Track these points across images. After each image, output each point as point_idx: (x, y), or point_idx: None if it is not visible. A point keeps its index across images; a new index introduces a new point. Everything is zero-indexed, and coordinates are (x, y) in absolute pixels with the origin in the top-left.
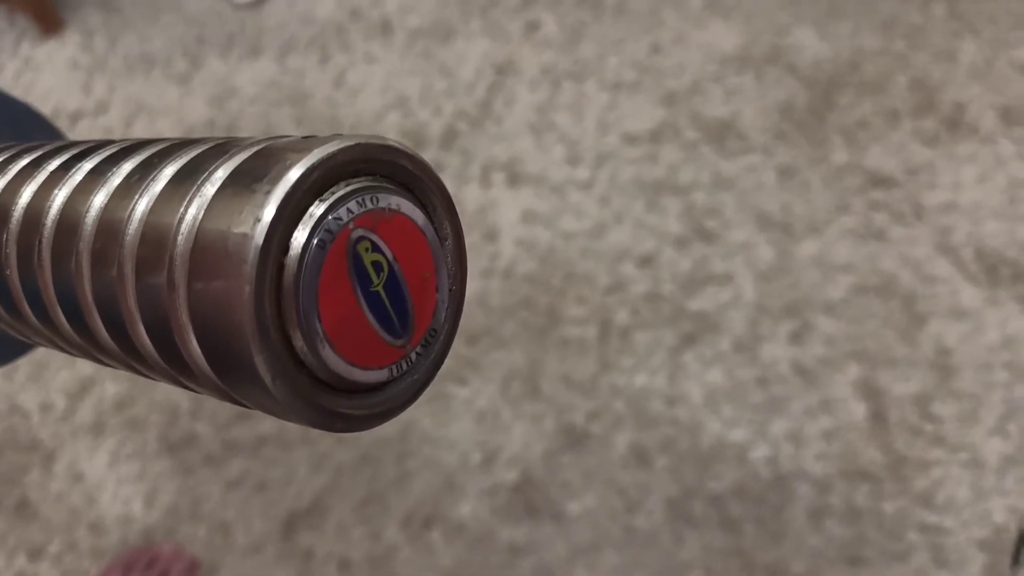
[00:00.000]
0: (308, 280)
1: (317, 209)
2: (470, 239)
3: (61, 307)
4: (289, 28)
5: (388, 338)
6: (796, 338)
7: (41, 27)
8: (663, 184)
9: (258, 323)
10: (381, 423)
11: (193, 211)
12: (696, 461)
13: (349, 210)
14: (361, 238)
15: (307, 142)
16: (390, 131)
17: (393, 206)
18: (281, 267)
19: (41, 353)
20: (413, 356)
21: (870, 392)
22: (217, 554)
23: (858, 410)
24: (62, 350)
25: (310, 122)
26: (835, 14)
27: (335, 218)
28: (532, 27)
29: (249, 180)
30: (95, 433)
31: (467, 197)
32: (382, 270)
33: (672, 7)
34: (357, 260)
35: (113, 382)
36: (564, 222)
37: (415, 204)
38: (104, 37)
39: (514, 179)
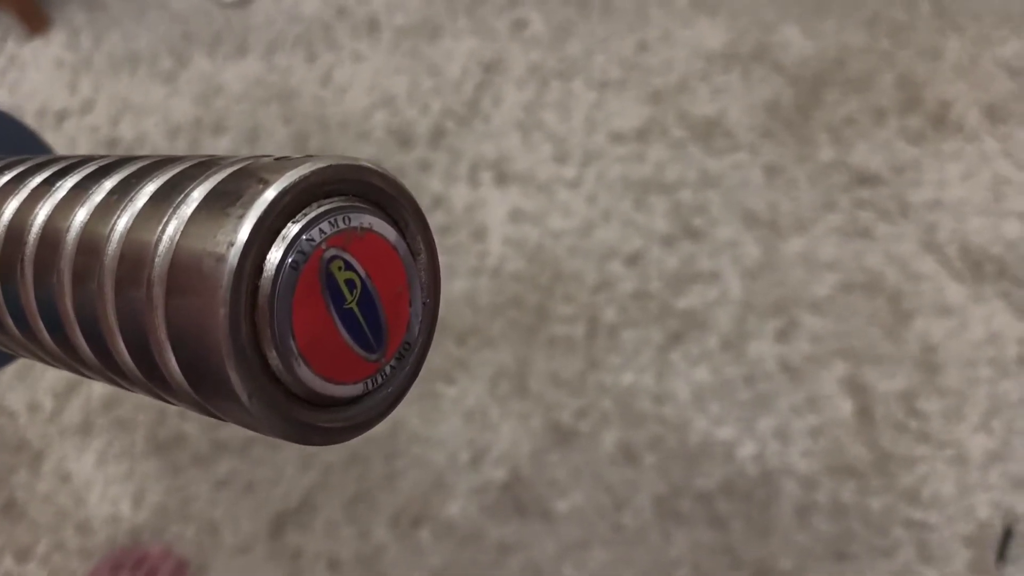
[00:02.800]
0: (282, 301)
1: (290, 230)
2: (458, 238)
3: (43, 321)
4: (276, 26)
5: (362, 353)
6: (782, 336)
7: (26, 25)
8: (650, 182)
9: (233, 343)
10: (358, 435)
11: (170, 232)
12: (684, 459)
13: (322, 231)
14: (334, 257)
15: (281, 164)
16: (377, 129)
17: (365, 225)
18: (256, 288)
19: None
20: (387, 369)
21: (856, 389)
22: (206, 554)
23: (844, 407)
24: (44, 362)
25: (297, 121)
26: (820, 11)
27: (308, 239)
28: (519, 25)
29: (224, 203)
30: (83, 433)
31: (455, 196)
32: (355, 287)
33: (658, 5)
34: (330, 279)
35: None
36: (552, 220)
37: (387, 221)
38: (89, 35)
39: (502, 178)
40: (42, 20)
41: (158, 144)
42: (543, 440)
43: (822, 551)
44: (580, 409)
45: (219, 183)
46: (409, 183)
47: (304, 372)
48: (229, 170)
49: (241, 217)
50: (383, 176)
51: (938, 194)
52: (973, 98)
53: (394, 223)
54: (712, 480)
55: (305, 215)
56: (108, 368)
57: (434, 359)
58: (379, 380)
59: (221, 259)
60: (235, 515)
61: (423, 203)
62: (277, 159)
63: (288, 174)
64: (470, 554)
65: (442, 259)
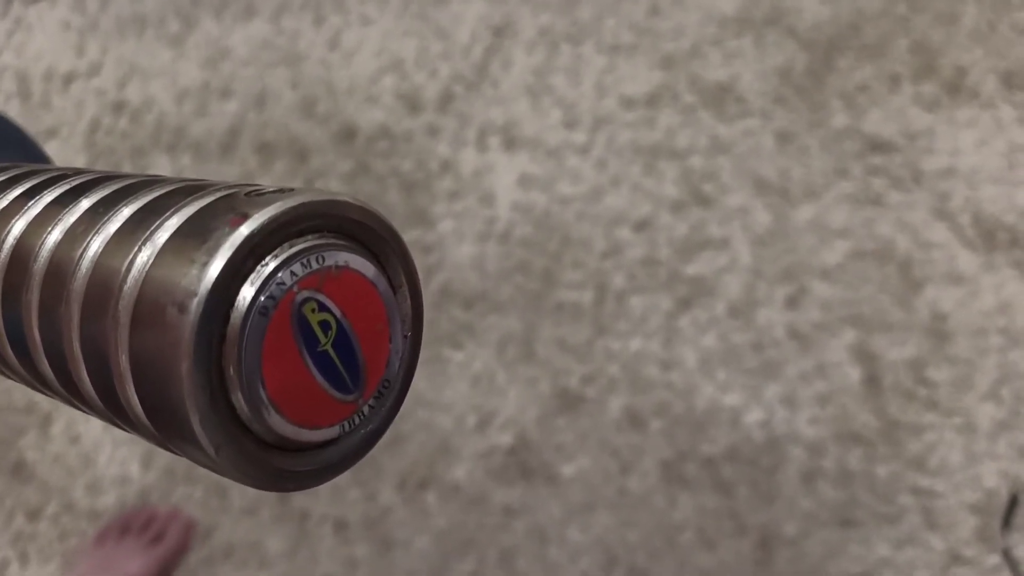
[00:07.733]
0: (250, 348)
1: (260, 273)
2: (466, 203)
3: (9, 341)
4: None
5: (337, 395)
6: (792, 303)
7: None
8: (660, 148)
9: (198, 397)
10: (334, 477)
11: (138, 267)
12: (690, 424)
13: (293, 273)
14: (306, 300)
15: (252, 200)
16: (385, 94)
17: (340, 263)
18: (223, 336)
19: None
20: (365, 409)
21: (865, 357)
22: (213, 515)
23: (852, 374)
24: (8, 377)
25: (304, 85)
26: None
27: (278, 283)
28: None
29: (191, 246)
30: None
31: (463, 161)
32: (330, 329)
33: None
34: (303, 322)
35: None
36: (561, 186)
37: (365, 256)
38: None
39: (510, 143)
40: None
41: (166, 108)
42: (550, 405)
43: (827, 517)
44: (587, 375)
45: (187, 220)
46: (417, 148)
47: (275, 420)
48: (201, 203)
49: (205, 265)
50: (360, 209)
51: (952, 162)
52: (990, 64)
53: (373, 257)
54: (718, 446)
55: (276, 256)
56: (73, 396)
57: (441, 324)
58: (356, 421)
59: (184, 309)
60: None
61: (431, 169)
62: (247, 193)
63: (257, 215)
64: (476, 517)
65: (450, 224)
